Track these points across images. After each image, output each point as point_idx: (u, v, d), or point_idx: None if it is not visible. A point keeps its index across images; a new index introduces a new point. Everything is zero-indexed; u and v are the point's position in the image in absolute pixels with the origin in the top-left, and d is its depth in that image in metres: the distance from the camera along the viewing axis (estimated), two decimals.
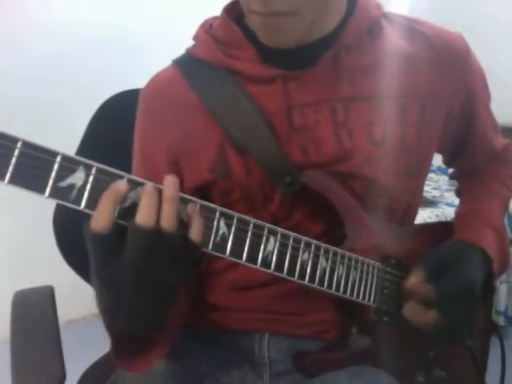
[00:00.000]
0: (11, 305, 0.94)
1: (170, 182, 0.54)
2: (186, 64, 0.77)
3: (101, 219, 0.50)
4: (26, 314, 0.95)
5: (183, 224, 0.55)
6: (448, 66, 0.76)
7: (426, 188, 2.59)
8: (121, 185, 0.51)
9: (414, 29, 0.77)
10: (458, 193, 0.95)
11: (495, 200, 0.86)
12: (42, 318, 0.93)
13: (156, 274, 0.54)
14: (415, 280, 0.70)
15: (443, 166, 0.99)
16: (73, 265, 1.02)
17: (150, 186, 0.53)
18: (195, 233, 0.55)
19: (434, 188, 2.54)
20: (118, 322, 0.59)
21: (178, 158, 0.76)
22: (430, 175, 2.57)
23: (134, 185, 0.53)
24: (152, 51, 2.03)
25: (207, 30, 0.77)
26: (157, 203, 0.53)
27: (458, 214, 0.88)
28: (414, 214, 0.85)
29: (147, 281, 0.54)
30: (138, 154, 0.79)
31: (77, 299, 1.57)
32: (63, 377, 0.84)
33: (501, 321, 2.26)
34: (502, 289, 2.28)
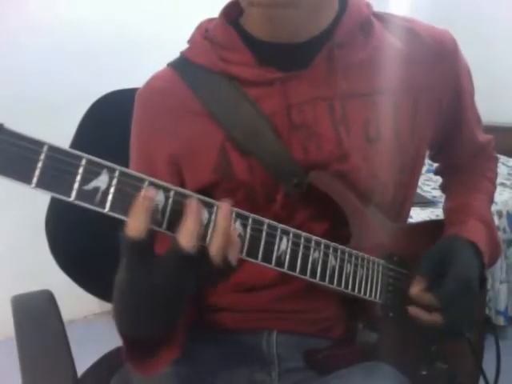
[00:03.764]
0: (12, 309, 0.94)
1: (225, 210, 0.54)
2: (183, 67, 0.77)
3: (135, 226, 0.51)
4: (29, 317, 0.94)
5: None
6: (438, 61, 0.78)
7: (425, 188, 2.59)
8: (152, 192, 0.51)
9: (404, 27, 0.79)
10: (443, 188, 0.97)
11: (481, 194, 0.88)
12: (47, 320, 0.93)
13: (181, 285, 0.55)
14: (417, 289, 0.74)
15: None
16: (65, 268, 1.01)
17: (194, 205, 0.53)
18: (233, 256, 0.55)
19: (434, 188, 2.53)
20: (138, 328, 0.61)
21: (179, 161, 0.76)
22: (430, 175, 2.57)
23: (163, 190, 0.53)
24: (152, 51, 2.03)
25: (203, 33, 0.77)
26: (202, 227, 0.53)
27: (447, 209, 0.90)
28: (408, 209, 0.86)
29: (172, 290, 0.55)
30: (136, 157, 0.79)
31: (77, 299, 1.57)
32: (75, 377, 0.84)
33: (501, 321, 2.25)
34: (502, 289, 2.27)
